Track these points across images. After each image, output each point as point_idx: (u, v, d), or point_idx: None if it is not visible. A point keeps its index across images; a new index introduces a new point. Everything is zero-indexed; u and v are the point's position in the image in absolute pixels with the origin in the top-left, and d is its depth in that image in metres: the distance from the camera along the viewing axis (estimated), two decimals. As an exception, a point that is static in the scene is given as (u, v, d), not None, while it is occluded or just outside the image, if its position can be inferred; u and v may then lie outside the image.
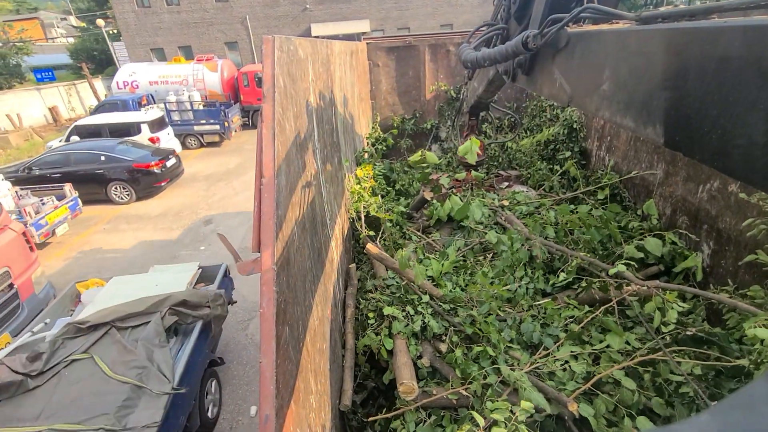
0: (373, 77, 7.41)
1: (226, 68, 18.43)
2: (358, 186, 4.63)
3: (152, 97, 17.56)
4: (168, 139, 13.62)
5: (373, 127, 7.42)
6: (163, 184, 11.13)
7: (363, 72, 6.89)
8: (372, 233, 4.03)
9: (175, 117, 15.86)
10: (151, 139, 12.93)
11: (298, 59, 2.48)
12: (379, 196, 4.80)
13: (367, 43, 7.19)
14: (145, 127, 13.01)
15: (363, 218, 4.14)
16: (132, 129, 12.94)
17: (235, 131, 16.81)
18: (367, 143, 6.67)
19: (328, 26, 24.71)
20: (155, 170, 10.85)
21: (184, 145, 15.54)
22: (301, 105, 2.44)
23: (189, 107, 15.92)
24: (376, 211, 4.26)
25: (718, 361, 2.30)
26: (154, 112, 13.84)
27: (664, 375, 2.34)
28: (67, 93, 23.98)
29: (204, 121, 15.76)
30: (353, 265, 3.79)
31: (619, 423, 2.20)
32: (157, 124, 13.41)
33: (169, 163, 11.41)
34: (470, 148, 3.87)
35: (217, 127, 15.70)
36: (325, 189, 3.00)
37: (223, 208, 10.36)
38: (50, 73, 24.21)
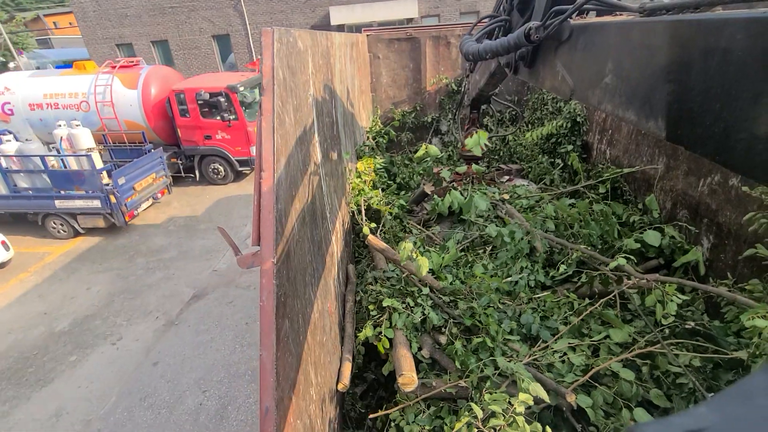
0: (374, 70, 7.36)
1: (155, 82, 10.64)
2: (359, 179, 4.62)
3: (13, 137, 9.42)
4: None
5: (373, 120, 7.39)
6: None
7: (363, 64, 6.84)
8: (373, 226, 4.03)
9: (23, 183, 8.72)
10: None
11: (298, 51, 2.46)
12: (380, 189, 4.80)
13: (367, 35, 7.13)
14: None
15: (363, 212, 4.14)
16: None
17: (155, 199, 9.73)
18: (368, 136, 6.65)
19: (354, 10, 17.19)
20: None
21: (45, 230, 8.94)
22: (301, 98, 2.43)
23: (41, 166, 8.50)
24: (377, 205, 4.26)
25: (717, 353, 2.32)
26: None
27: (662, 367, 2.36)
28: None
29: (73, 191, 8.48)
30: (351, 266, 3.80)
31: (617, 414, 2.22)
32: None
33: None
34: (478, 141, 3.86)
35: (97, 203, 8.38)
36: (325, 182, 2.99)
37: None
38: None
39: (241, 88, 10.28)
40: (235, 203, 10.39)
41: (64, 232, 9.12)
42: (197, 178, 11.56)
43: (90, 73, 10.95)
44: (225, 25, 19.19)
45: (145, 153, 9.84)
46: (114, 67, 10.98)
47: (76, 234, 9.10)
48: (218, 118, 10.36)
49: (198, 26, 19.30)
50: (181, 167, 11.40)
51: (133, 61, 11.44)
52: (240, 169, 11.16)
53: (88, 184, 8.54)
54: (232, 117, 10.40)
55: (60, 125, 9.23)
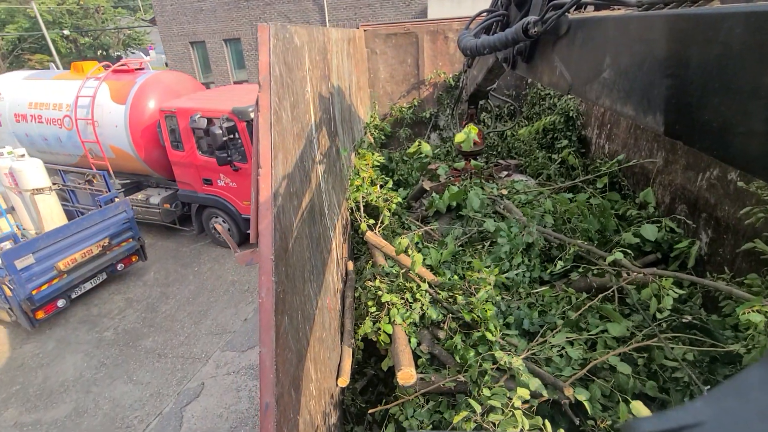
0: (371, 65, 7.32)
1: (155, 94, 7.87)
2: (357, 176, 4.61)
3: None
4: None
5: (371, 116, 7.37)
6: None
7: (361, 60, 6.81)
8: (371, 222, 4.03)
9: None
10: None
11: (295, 47, 2.45)
12: (378, 186, 4.80)
13: (364, 30, 7.09)
14: None
15: (362, 208, 4.14)
16: None
17: (111, 273, 6.98)
18: (366, 132, 6.63)
19: (462, 3, 13.72)
20: None
21: None
22: (298, 94, 2.42)
23: None
24: (376, 201, 4.25)
25: (714, 347, 2.33)
26: None
27: (658, 361, 2.38)
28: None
29: None
30: (350, 262, 3.81)
31: (614, 408, 2.24)
32: None
33: None
34: (467, 136, 3.86)
35: None
36: (323, 179, 2.98)
37: None
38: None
39: (254, 114, 6.40)
40: (221, 295, 7.00)
41: None
42: (197, 232, 8.42)
43: (77, 77, 8.33)
44: (302, 21, 16.09)
45: (99, 206, 6.50)
46: (107, 70, 8.26)
47: None
48: (213, 155, 6.94)
49: (272, 22, 17.13)
50: (175, 217, 8.39)
51: (132, 66, 8.52)
52: (247, 231, 7.49)
53: None
54: (236, 156, 7.02)
55: (2, 153, 6.63)
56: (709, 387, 2.20)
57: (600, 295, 2.83)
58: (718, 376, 2.29)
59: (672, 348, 2.35)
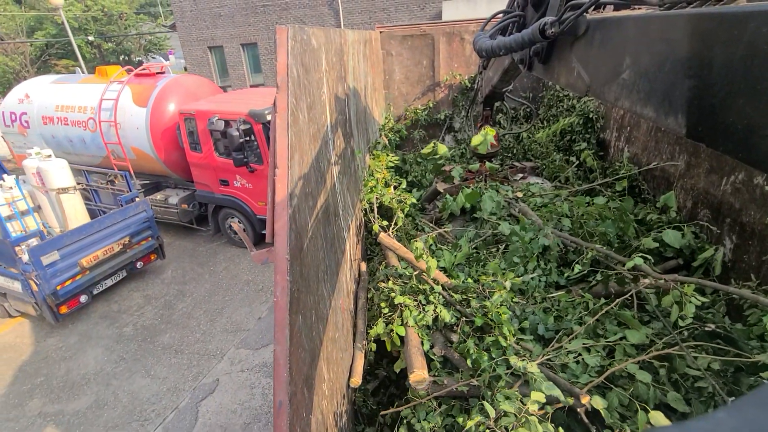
0: (387, 67, 7.35)
1: (175, 97, 8.14)
2: (371, 177, 4.63)
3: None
4: None
5: (386, 118, 7.38)
6: None
7: (376, 61, 6.83)
8: (385, 224, 4.04)
9: None
10: None
11: (312, 49, 2.47)
12: (392, 187, 4.80)
13: (380, 32, 7.12)
14: None
15: (376, 209, 4.15)
16: None
17: (130, 270, 7.22)
18: (381, 134, 6.65)
19: (477, 5, 13.51)
20: None
21: None
22: (315, 95, 2.44)
23: None
24: (389, 202, 4.26)
25: (738, 357, 2.25)
26: None
27: (680, 370, 2.30)
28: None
29: None
30: (363, 263, 3.82)
31: (633, 417, 2.18)
32: None
33: None
34: (484, 138, 3.83)
35: (17, 286, 6.05)
36: (338, 180, 3.00)
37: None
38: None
39: (270, 117, 6.67)
40: (235, 294, 7.14)
41: None
42: (213, 232, 8.82)
43: (99, 81, 8.72)
44: (317, 25, 16.85)
45: (120, 205, 6.89)
46: (130, 74, 8.55)
47: (7, 315, 6.72)
48: (230, 157, 7.22)
49: (290, 24, 17.90)
50: (193, 217, 8.75)
51: (154, 69, 8.74)
52: (262, 232, 7.65)
53: (4, 257, 5.84)
54: (252, 158, 7.23)
55: (30, 154, 6.92)
56: (733, 398, 2.12)
57: (617, 301, 2.76)
58: (743, 386, 2.21)
59: (695, 357, 2.28)
